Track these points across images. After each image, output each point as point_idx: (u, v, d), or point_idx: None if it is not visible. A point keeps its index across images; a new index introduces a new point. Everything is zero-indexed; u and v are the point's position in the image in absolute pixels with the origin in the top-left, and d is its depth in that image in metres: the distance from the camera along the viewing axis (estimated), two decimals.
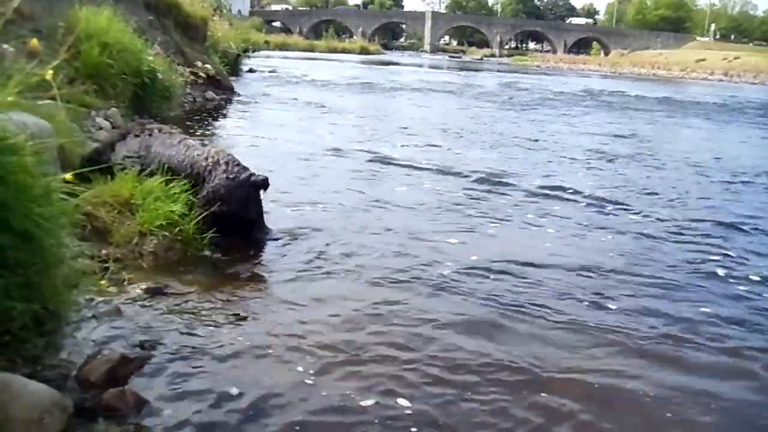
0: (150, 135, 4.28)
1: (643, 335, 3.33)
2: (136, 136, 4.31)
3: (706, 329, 3.47)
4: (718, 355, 3.19)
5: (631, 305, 3.72)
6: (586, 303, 3.72)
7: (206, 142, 4.62)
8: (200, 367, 2.67)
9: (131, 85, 7.68)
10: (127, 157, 4.24)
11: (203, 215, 3.92)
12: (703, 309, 3.75)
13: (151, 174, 4.08)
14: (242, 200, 4.05)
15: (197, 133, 8.17)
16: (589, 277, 4.16)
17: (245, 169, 4.10)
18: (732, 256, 4.80)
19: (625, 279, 4.18)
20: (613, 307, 3.67)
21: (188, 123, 9.13)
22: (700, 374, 3.00)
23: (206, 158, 4.05)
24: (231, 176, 3.99)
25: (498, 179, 7.03)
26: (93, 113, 6.38)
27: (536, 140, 10.49)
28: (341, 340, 3.02)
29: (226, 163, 4.04)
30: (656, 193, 6.96)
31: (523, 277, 4.06)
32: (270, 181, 4.17)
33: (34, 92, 2.62)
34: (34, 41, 2.80)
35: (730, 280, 4.30)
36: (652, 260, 4.61)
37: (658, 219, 5.79)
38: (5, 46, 2.50)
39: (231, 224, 4.03)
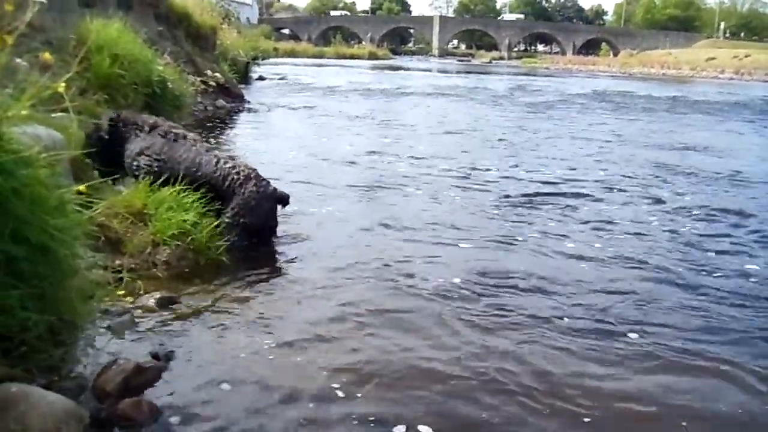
0: (175, 140, 4.31)
1: None
2: (161, 135, 4.32)
3: None
4: None
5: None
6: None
7: (234, 155, 4.63)
8: (215, 376, 2.67)
9: (142, 95, 7.71)
10: (146, 155, 4.25)
11: (232, 225, 4.16)
12: None
13: (172, 179, 4.12)
14: (268, 212, 4.35)
15: (209, 141, 8.20)
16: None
17: (269, 183, 4.39)
18: None
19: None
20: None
21: (199, 131, 9.17)
22: None
23: (238, 172, 4.25)
24: (260, 189, 4.26)
25: (543, 196, 6.50)
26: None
27: (585, 156, 9.29)
28: (358, 350, 3.01)
29: (256, 177, 4.30)
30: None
31: (565, 297, 3.83)
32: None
33: (47, 105, 2.65)
34: (47, 55, 2.83)
35: None
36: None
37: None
38: (18, 60, 2.53)
39: (255, 233, 4.34)
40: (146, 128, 4.36)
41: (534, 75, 42.80)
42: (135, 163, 4.25)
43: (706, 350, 3.19)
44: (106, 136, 4.36)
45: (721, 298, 3.92)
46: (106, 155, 4.27)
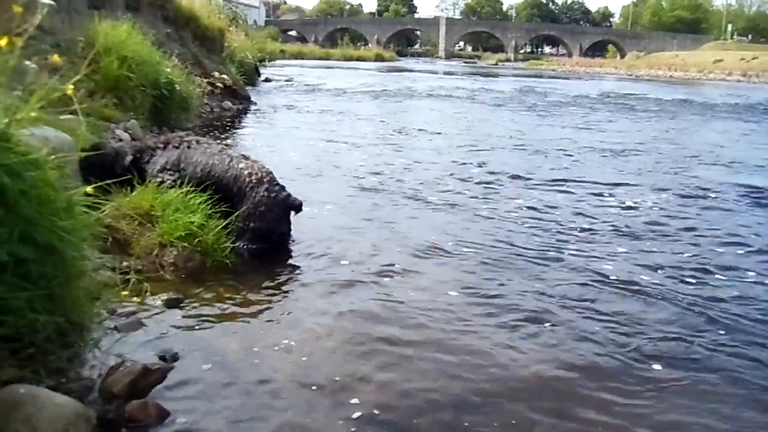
0: (189, 147, 4.38)
1: None
2: (175, 147, 4.38)
3: None
4: None
5: None
6: None
7: (247, 154, 4.57)
8: (222, 378, 2.67)
9: (150, 97, 7.76)
10: (166, 169, 4.31)
11: (242, 229, 4.18)
12: None
13: (190, 183, 4.16)
14: (278, 218, 4.34)
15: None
16: None
17: (283, 188, 4.35)
18: None
19: None
20: None
21: (206, 133, 9.18)
22: None
23: (250, 174, 4.24)
24: (272, 195, 4.24)
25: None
26: (113, 125, 6.46)
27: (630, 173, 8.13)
28: (365, 357, 3.00)
29: (269, 182, 4.28)
30: None
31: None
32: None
33: (55, 107, 2.66)
34: (56, 57, 2.85)
35: None
36: None
37: None
38: (27, 62, 2.54)
39: (265, 238, 4.30)
40: (161, 146, 4.43)
41: (541, 77, 42.67)
42: (159, 179, 4.27)
43: None
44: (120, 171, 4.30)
45: None
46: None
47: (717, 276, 4.34)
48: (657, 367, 3.01)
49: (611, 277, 4.18)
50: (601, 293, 3.92)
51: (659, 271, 4.36)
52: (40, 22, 2.60)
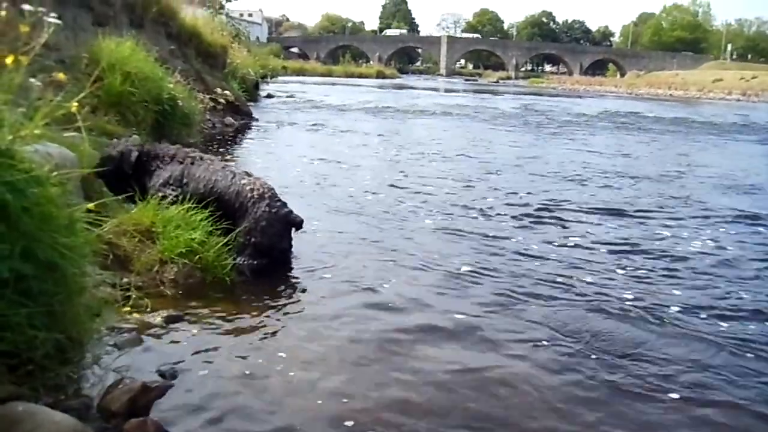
0: (192, 162, 4.40)
1: None
2: (179, 162, 4.40)
3: None
4: None
5: None
6: None
7: (250, 171, 4.58)
8: (222, 396, 2.66)
9: (152, 113, 7.78)
10: (169, 184, 4.31)
11: (243, 244, 4.21)
12: None
13: (192, 198, 4.17)
14: (279, 234, 4.36)
15: None
16: None
17: (285, 204, 4.40)
18: None
19: None
20: None
21: (208, 148, 9.19)
22: None
23: (252, 189, 4.28)
24: (274, 210, 4.28)
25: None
26: (115, 141, 6.46)
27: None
28: (363, 373, 2.99)
29: (270, 197, 4.32)
30: None
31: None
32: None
33: (59, 123, 2.68)
34: (61, 75, 2.88)
35: None
36: None
37: None
38: (32, 79, 2.56)
39: (266, 254, 4.31)
40: (167, 159, 4.45)
41: (542, 95, 42.82)
42: (161, 194, 4.27)
43: None
44: (130, 171, 4.35)
45: None
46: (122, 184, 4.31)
47: None
48: (674, 396, 2.93)
49: (646, 312, 4.03)
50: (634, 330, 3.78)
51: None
52: (45, 40, 2.62)
